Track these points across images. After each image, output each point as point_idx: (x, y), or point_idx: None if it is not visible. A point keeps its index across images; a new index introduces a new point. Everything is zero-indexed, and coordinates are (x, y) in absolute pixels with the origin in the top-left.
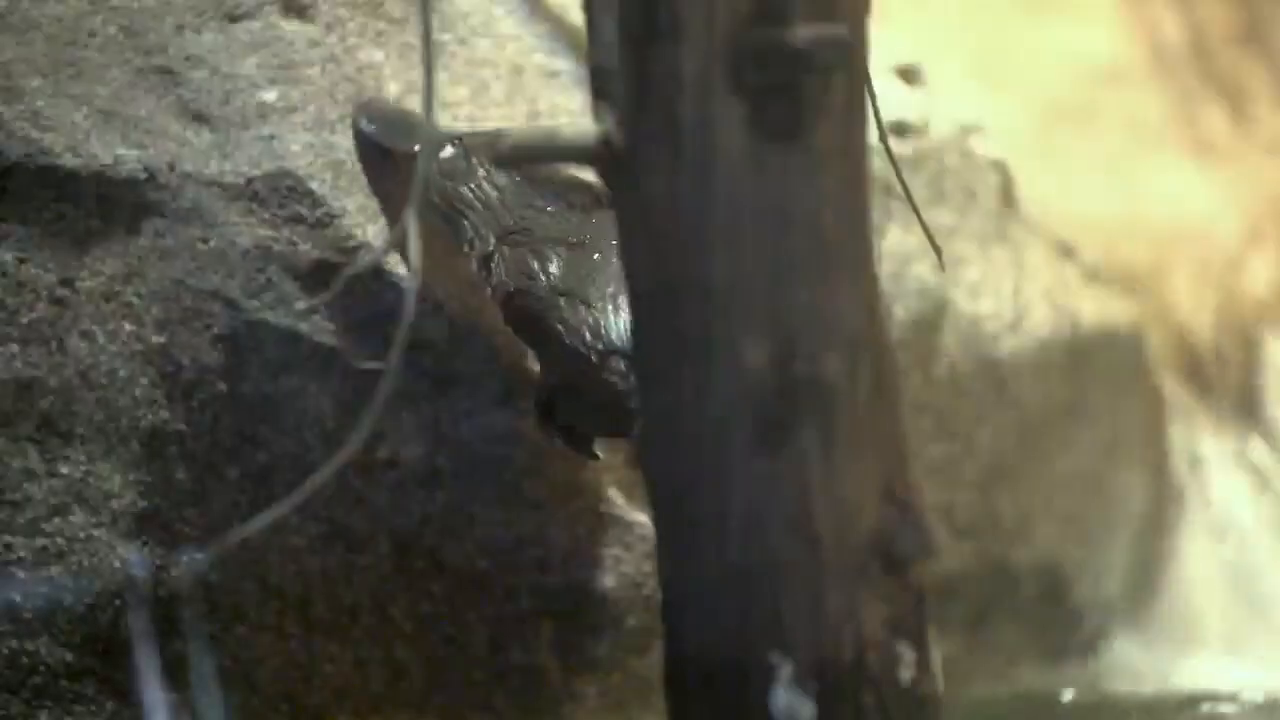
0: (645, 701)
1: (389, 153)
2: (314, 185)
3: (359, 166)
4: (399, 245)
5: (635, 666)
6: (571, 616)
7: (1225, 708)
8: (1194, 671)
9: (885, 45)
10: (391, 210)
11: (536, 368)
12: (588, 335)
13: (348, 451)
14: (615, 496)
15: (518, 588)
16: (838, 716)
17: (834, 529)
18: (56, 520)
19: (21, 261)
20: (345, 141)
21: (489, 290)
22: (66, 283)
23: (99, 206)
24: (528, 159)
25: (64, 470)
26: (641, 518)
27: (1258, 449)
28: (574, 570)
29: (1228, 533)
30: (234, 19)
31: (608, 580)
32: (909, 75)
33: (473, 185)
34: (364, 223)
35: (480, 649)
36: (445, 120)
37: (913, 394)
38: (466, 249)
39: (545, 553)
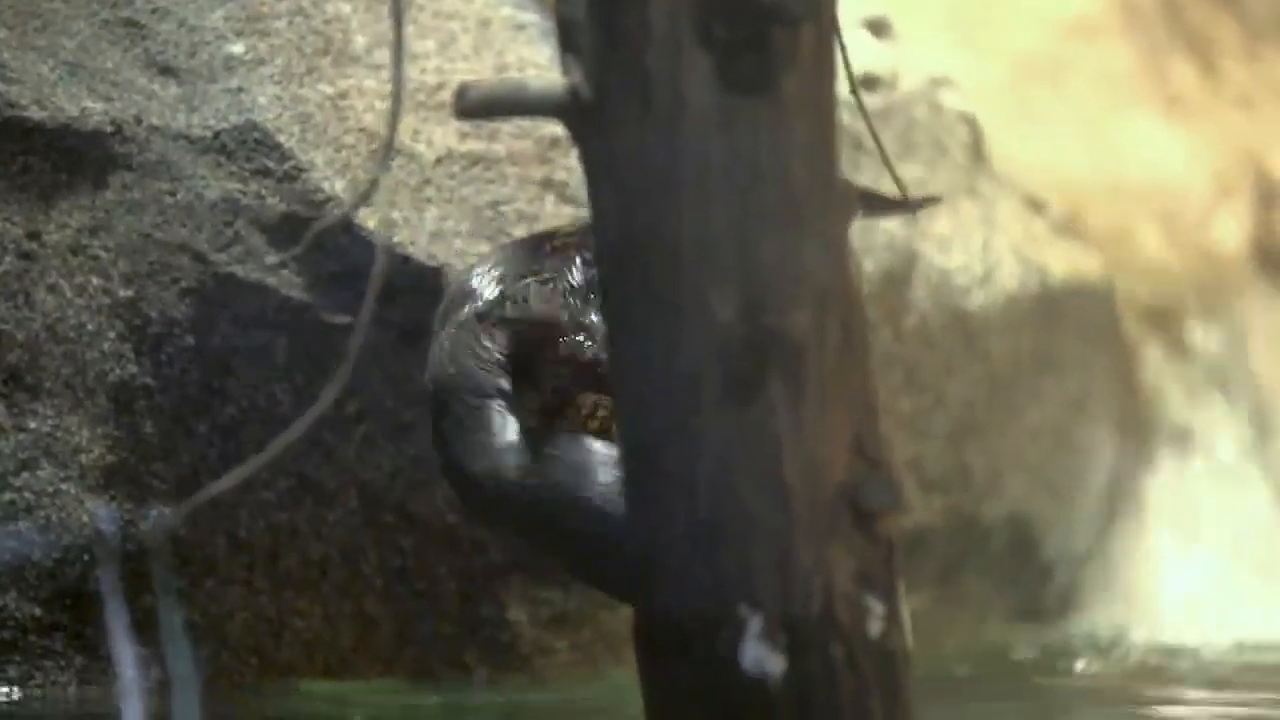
0: (615, 655)
1: None
2: (282, 138)
3: (326, 121)
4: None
5: (605, 620)
6: (541, 570)
7: (1190, 661)
8: (1161, 625)
9: None
10: None
11: None
12: None
13: (319, 407)
14: None
15: (487, 542)
16: (807, 670)
17: (803, 482)
18: (24, 475)
19: None
20: (313, 94)
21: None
22: (33, 236)
23: (65, 159)
24: (495, 112)
25: (32, 425)
26: None
27: (1226, 402)
28: None
29: (1197, 486)
30: None
31: None
32: (878, 28)
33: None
34: (332, 176)
35: (450, 603)
36: (414, 74)
37: (882, 347)
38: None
39: None
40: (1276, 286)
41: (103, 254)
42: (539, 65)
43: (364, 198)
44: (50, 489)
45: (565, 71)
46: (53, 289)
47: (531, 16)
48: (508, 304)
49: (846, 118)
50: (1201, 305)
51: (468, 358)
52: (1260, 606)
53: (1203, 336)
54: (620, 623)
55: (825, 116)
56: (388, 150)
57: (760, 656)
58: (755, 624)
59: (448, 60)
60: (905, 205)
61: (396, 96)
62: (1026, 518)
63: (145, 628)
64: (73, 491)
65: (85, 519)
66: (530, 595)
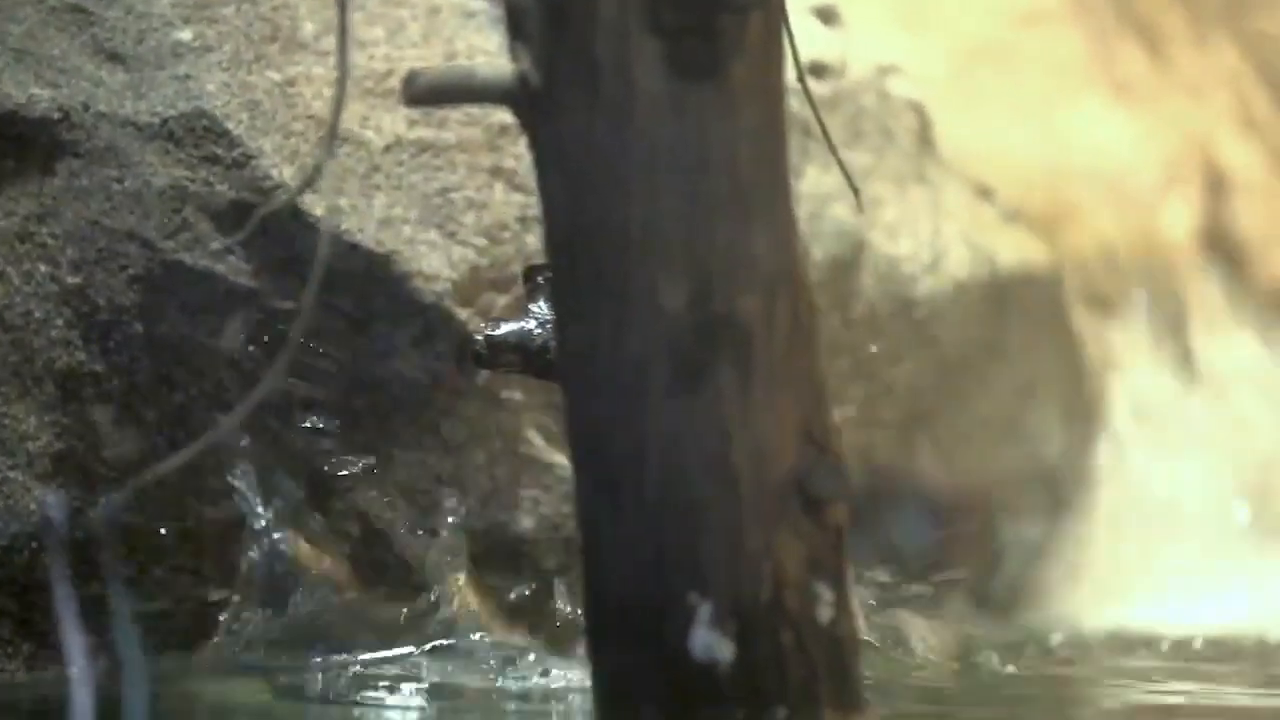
0: (564, 643)
1: None
2: (230, 125)
3: (274, 108)
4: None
5: (554, 608)
6: (490, 558)
7: (1142, 647)
8: (1111, 611)
9: None
10: None
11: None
12: None
13: (262, 390)
14: (534, 438)
15: (437, 529)
16: (756, 656)
17: (752, 469)
18: None
19: None
20: (261, 81)
21: None
22: None
23: (12, 146)
24: (443, 99)
25: None
26: (560, 459)
27: (1175, 387)
28: (492, 512)
29: (1146, 472)
30: None
31: (526, 521)
32: (826, 15)
33: None
34: (280, 163)
35: (398, 591)
36: (362, 61)
37: (830, 334)
38: None
39: (463, 494)
40: (1224, 272)
41: (50, 241)
42: (488, 52)
43: (309, 183)
44: None
45: (514, 58)
46: (0, 276)
47: (480, 3)
48: None
49: (795, 105)
50: (1150, 292)
51: None
52: (1213, 591)
53: (1151, 323)
54: (570, 610)
55: (774, 103)
56: (333, 137)
57: (710, 643)
58: (704, 611)
59: (396, 47)
60: None
61: (341, 83)
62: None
63: (94, 615)
64: (20, 479)
65: (33, 506)
66: (479, 583)
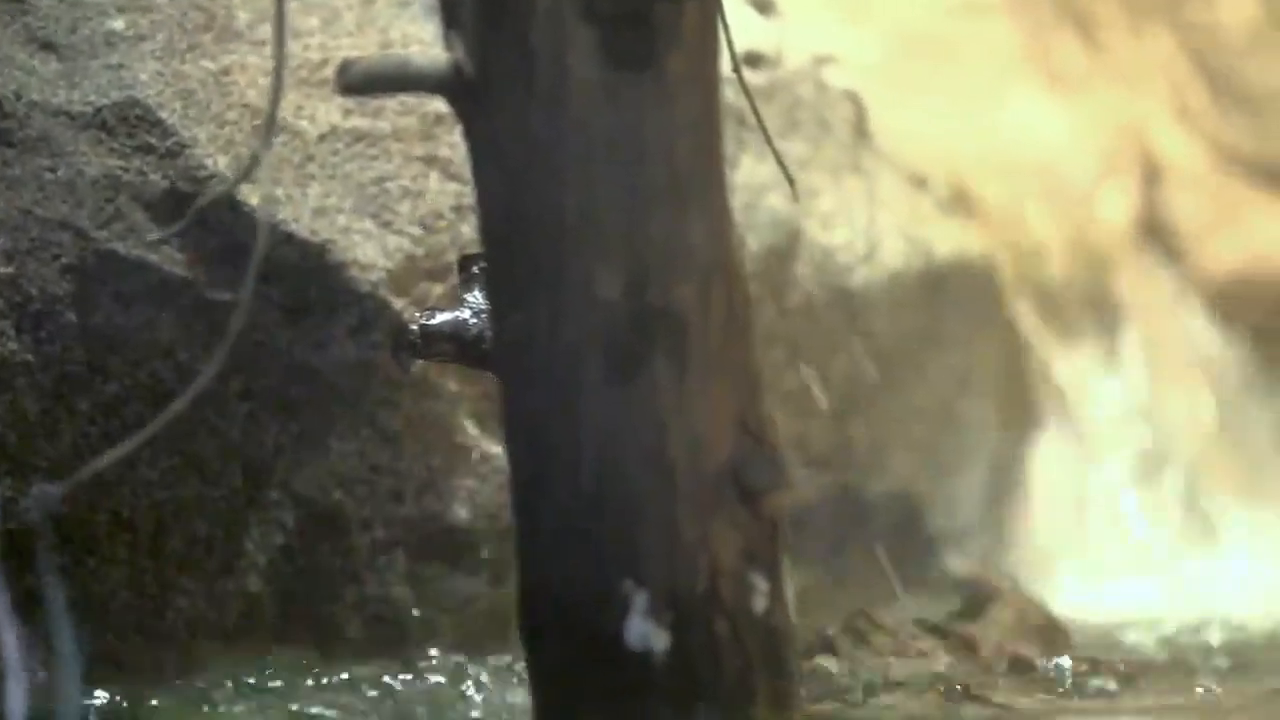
0: (500, 633)
1: None
2: (164, 115)
3: (209, 97)
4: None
5: (490, 598)
6: (425, 548)
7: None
8: (1048, 599)
9: None
10: None
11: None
12: None
13: (199, 384)
14: (470, 428)
15: (371, 519)
16: (691, 646)
17: (688, 459)
18: None
19: None
20: (195, 71)
21: None
22: None
23: None
24: (378, 88)
25: None
26: (496, 449)
27: (1111, 378)
28: (428, 502)
29: (1081, 462)
30: None
31: (462, 512)
32: (762, 5)
33: None
34: (215, 153)
35: (335, 581)
36: (297, 50)
37: (766, 324)
38: None
39: (399, 484)
40: (1160, 263)
41: None
42: (423, 41)
43: (246, 174)
44: None
45: (448, 47)
46: None
47: None
48: None
49: (730, 95)
50: (1086, 282)
51: None
52: (1146, 581)
53: (1087, 313)
54: (505, 600)
55: (710, 93)
56: (270, 126)
57: (645, 633)
58: (640, 600)
59: (331, 36)
60: None
61: (278, 72)
62: (911, 495)
63: (28, 607)
64: None
65: None
66: (414, 573)
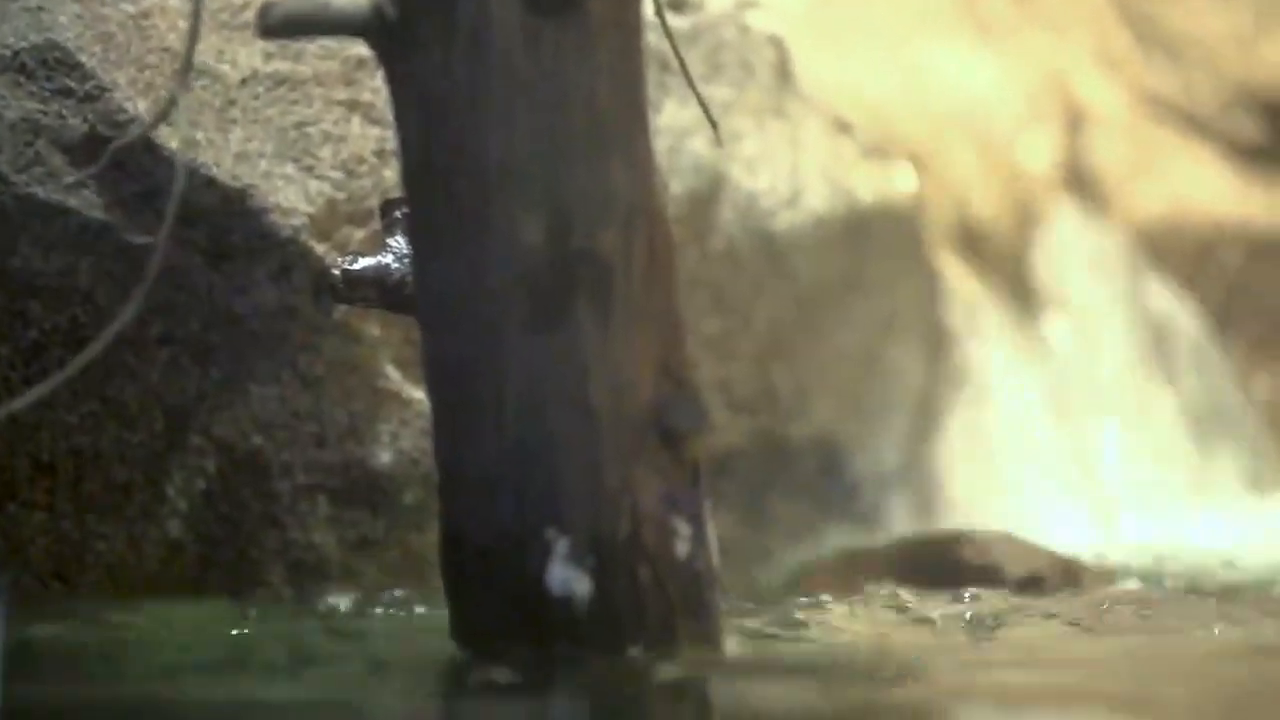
0: (422, 578)
1: None
2: (83, 58)
3: (129, 40)
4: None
5: (412, 543)
6: (348, 493)
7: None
8: None
9: None
10: None
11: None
12: None
13: (117, 326)
14: (392, 372)
15: (293, 465)
16: (614, 592)
17: (610, 404)
18: None
19: None
20: (115, 14)
21: None
22: None
23: None
24: (299, 32)
25: None
26: (418, 394)
27: (1035, 323)
28: (350, 446)
29: (1005, 407)
30: None
31: (384, 456)
32: None
33: None
34: (134, 96)
35: (256, 526)
36: None
37: (689, 269)
38: None
39: (321, 429)
40: (1084, 209)
41: None
42: None
43: (162, 116)
44: None
45: None
46: None
47: None
48: None
49: (653, 39)
50: (1010, 227)
51: None
52: (1070, 527)
53: (1010, 258)
54: (427, 545)
55: (632, 37)
56: (186, 70)
57: (567, 578)
58: (562, 546)
59: None
60: None
61: (195, 15)
62: (834, 439)
63: None
64: None
65: None
66: (337, 518)
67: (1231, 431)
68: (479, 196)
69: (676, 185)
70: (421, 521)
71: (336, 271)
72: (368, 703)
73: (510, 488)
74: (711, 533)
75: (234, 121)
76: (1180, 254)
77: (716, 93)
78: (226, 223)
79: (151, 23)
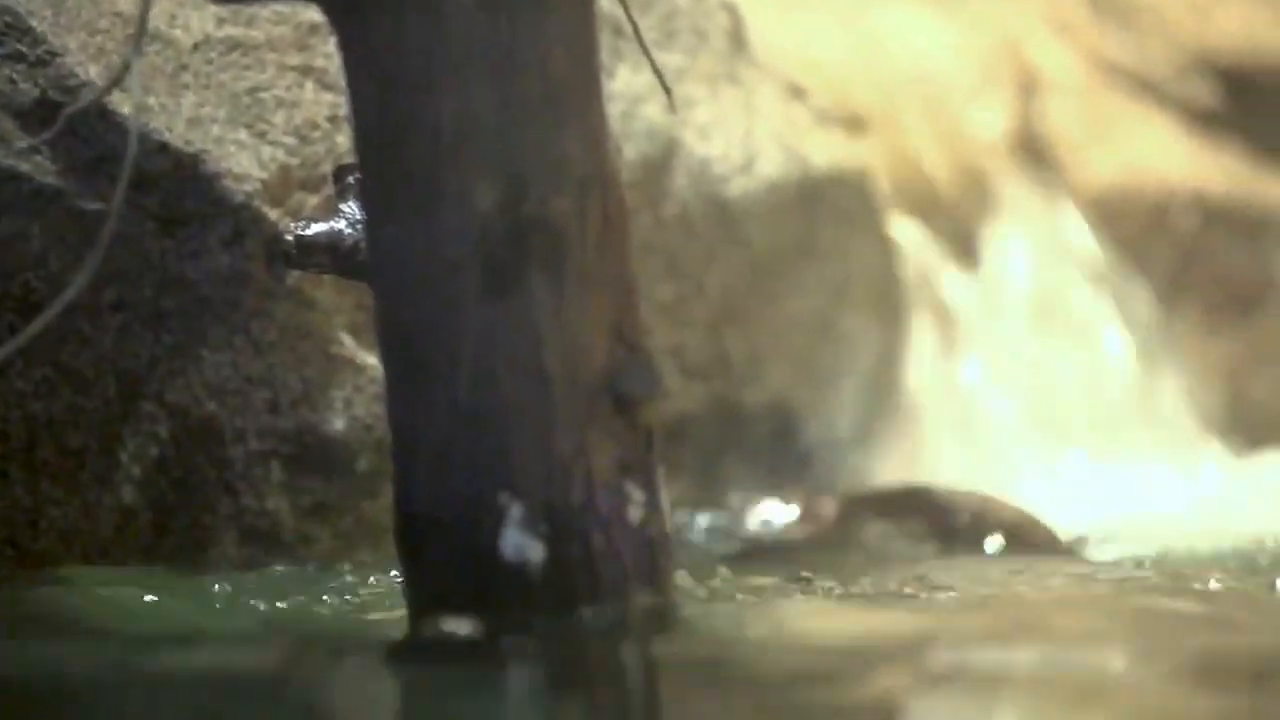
0: (376, 544)
1: None
2: (34, 22)
3: (80, 5)
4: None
5: (366, 509)
6: (301, 459)
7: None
8: None
9: None
10: None
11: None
12: None
13: (71, 293)
14: (345, 339)
15: (246, 430)
16: (567, 557)
17: (564, 370)
18: None
19: None
20: None
21: None
22: None
23: None
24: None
25: None
26: (372, 360)
27: (984, 288)
28: (304, 413)
29: (958, 372)
30: None
31: (338, 423)
32: None
33: None
34: (85, 61)
35: (210, 492)
36: None
37: (642, 235)
38: None
39: (275, 395)
40: (1035, 175)
41: None
42: None
43: (115, 82)
44: None
45: None
46: None
47: None
48: None
49: (606, 4)
50: (962, 193)
51: None
52: (1022, 491)
53: (963, 224)
54: (381, 511)
55: (586, 3)
56: (140, 34)
57: (521, 544)
58: (516, 512)
59: None
60: None
61: None
62: (788, 405)
63: None
64: None
65: None
66: (290, 484)
67: (1179, 383)
68: (432, 163)
69: (630, 151)
70: (375, 488)
71: (289, 237)
72: (321, 671)
73: (464, 454)
74: (665, 498)
75: (186, 87)
76: (1134, 220)
77: (670, 59)
78: (179, 188)
79: None
